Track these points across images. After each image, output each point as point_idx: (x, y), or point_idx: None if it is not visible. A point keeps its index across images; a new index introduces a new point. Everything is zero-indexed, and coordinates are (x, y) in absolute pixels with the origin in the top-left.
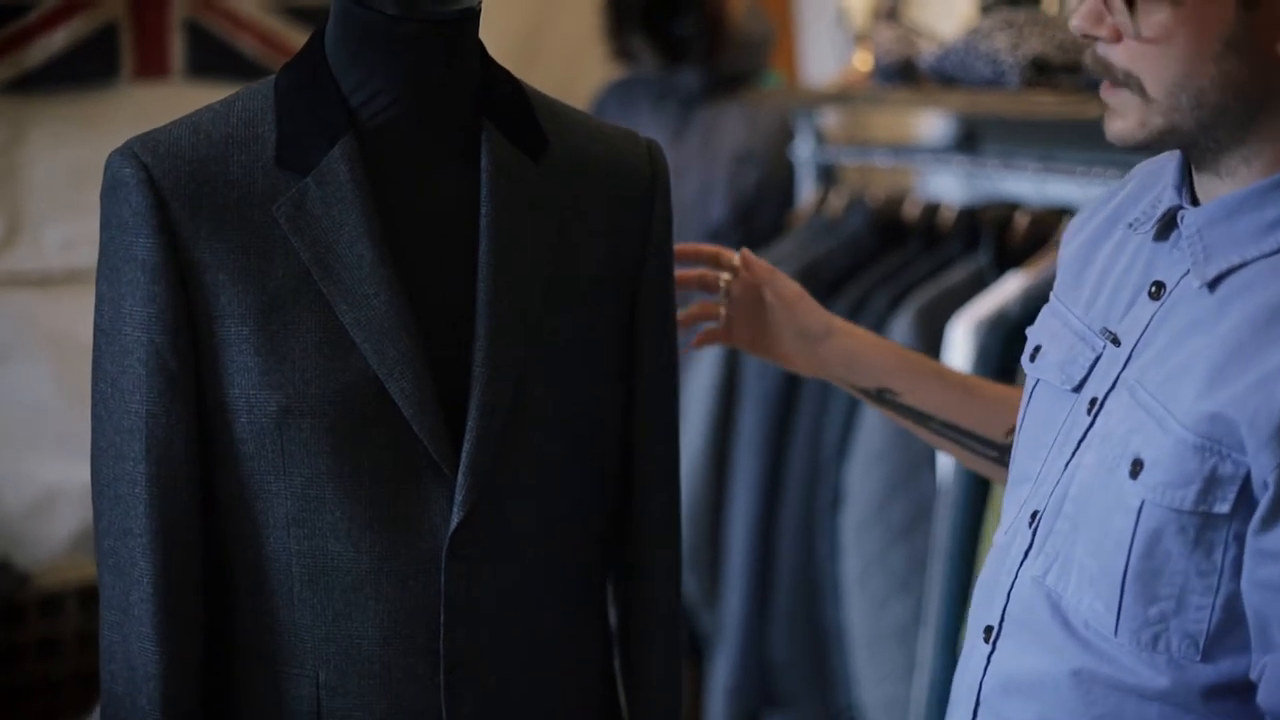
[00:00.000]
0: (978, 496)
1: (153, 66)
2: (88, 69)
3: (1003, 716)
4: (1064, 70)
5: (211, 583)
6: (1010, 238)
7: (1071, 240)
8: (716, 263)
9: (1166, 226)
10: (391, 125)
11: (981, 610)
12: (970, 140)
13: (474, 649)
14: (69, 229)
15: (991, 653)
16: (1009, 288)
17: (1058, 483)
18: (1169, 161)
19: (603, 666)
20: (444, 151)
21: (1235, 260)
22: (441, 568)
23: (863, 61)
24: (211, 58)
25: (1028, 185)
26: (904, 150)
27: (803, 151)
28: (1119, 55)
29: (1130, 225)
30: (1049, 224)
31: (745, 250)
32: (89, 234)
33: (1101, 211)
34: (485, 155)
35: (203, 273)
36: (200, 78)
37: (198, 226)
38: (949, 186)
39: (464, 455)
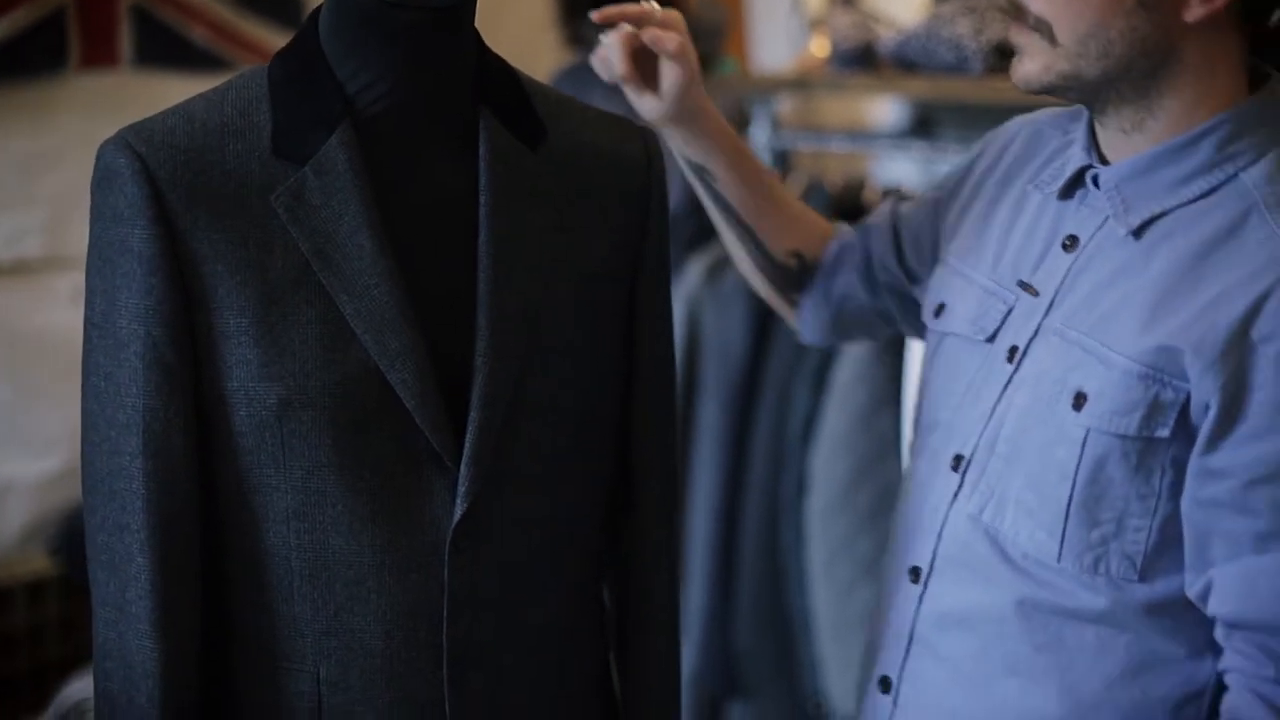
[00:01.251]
0: None
1: (101, 55)
2: (34, 58)
3: (940, 652)
4: None
5: (210, 578)
6: None
7: (949, 208)
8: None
9: (1072, 184)
10: (388, 114)
11: (902, 554)
12: (925, 125)
13: (476, 641)
14: (17, 220)
15: (923, 592)
16: None
17: (985, 426)
18: (1050, 125)
19: (600, 655)
20: (441, 140)
21: (1156, 209)
22: (444, 560)
23: (820, 48)
24: (161, 47)
25: None
26: (862, 136)
27: (759, 137)
28: (1036, 3)
29: (1035, 185)
30: None
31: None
32: (37, 225)
33: (974, 179)
34: (483, 143)
35: (200, 264)
36: (149, 67)
37: (195, 217)
38: (905, 172)
39: (466, 446)
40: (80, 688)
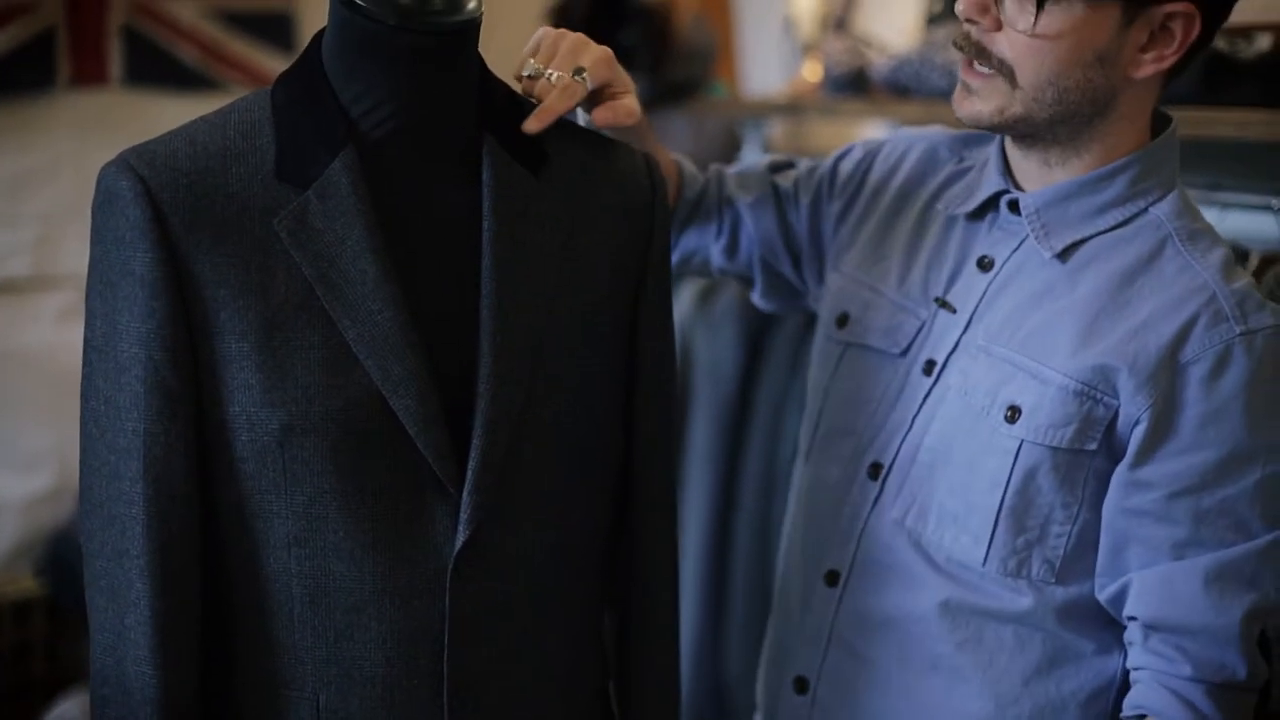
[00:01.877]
0: None
1: (90, 73)
2: (24, 76)
3: (858, 652)
4: None
5: (210, 604)
6: None
7: (845, 216)
8: None
9: (984, 207)
10: (392, 137)
11: (815, 557)
12: None
13: (477, 669)
14: (5, 238)
15: (842, 594)
16: None
17: (905, 436)
18: (944, 145)
19: (600, 682)
20: (445, 164)
21: (1076, 236)
22: (445, 587)
23: (812, 72)
24: (150, 65)
25: None
26: None
27: (750, 159)
28: (998, 43)
29: (942, 205)
30: None
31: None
32: (26, 243)
33: (868, 190)
34: (486, 168)
35: (203, 288)
36: (139, 86)
37: (197, 240)
38: None
39: (469, 473)
40: (67, 709)
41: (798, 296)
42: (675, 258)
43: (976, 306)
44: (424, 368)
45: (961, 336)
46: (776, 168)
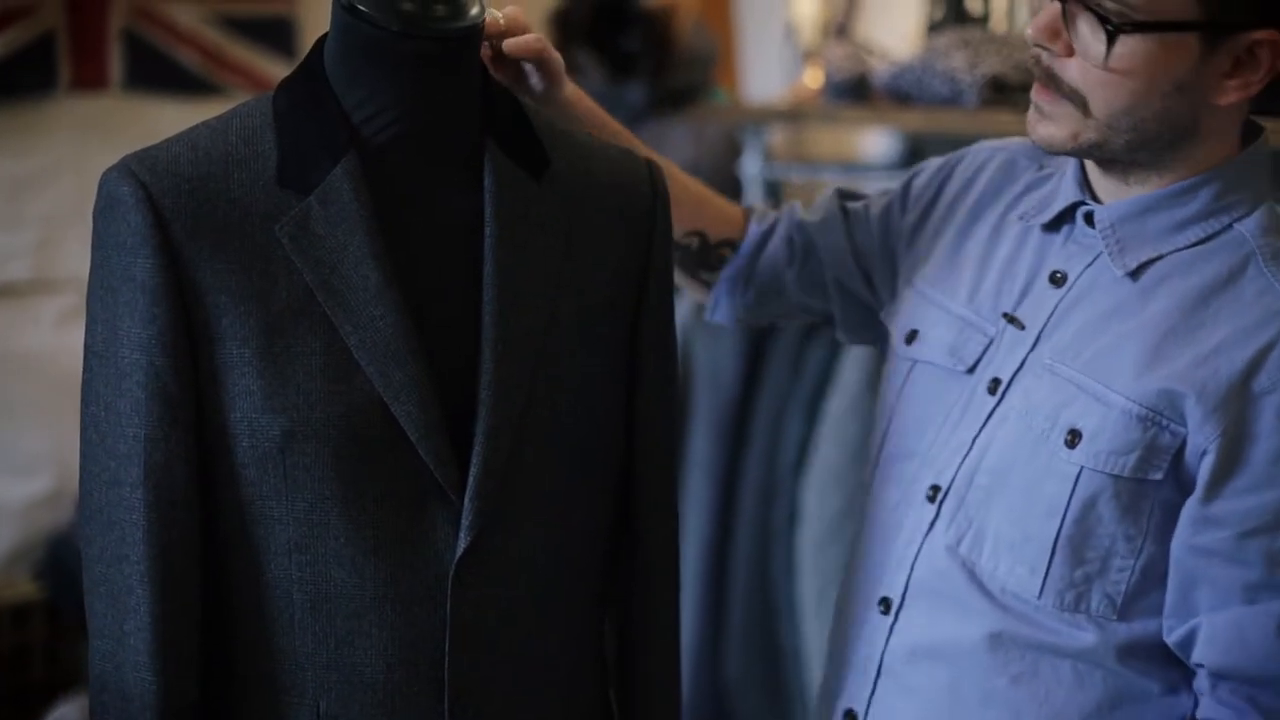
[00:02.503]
0: None
1: (91, 77)
2: (24, 79)
3: (908, 684)
4: (1021, 90)
5: (210, 610)
6: None
7: (919, 230)
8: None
9: (1060, 218)
10: (394, 143)
11: (870, 584)
12: (917, 157)
13: (478, 676)
14: (5, 242)
15: (894, 623)
16: None
17: (964, 457)
18: (1024, 155)
19: (600, 690)
20: (447, 170)
21: (1152, 253)
22: (446, 594)
23: (813, 79)
24: (150, 69)
25: None
26: (856, 168)
27: (751, 168)
28: (1069, 71)
29: (1018, 216)
30: None
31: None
32: (25, 247)
33: (944, 202)
34: (488, 174)
35: (204, 294)
36: (139, 90)
37: (199, 246)
38: None
39: (470, 480)
40: (65, 712)
41: (878, 324)
42: (751, 295)
43: (1046, 323)
44: (425, 374)
45: (1029, 354)
46: (846, 194)
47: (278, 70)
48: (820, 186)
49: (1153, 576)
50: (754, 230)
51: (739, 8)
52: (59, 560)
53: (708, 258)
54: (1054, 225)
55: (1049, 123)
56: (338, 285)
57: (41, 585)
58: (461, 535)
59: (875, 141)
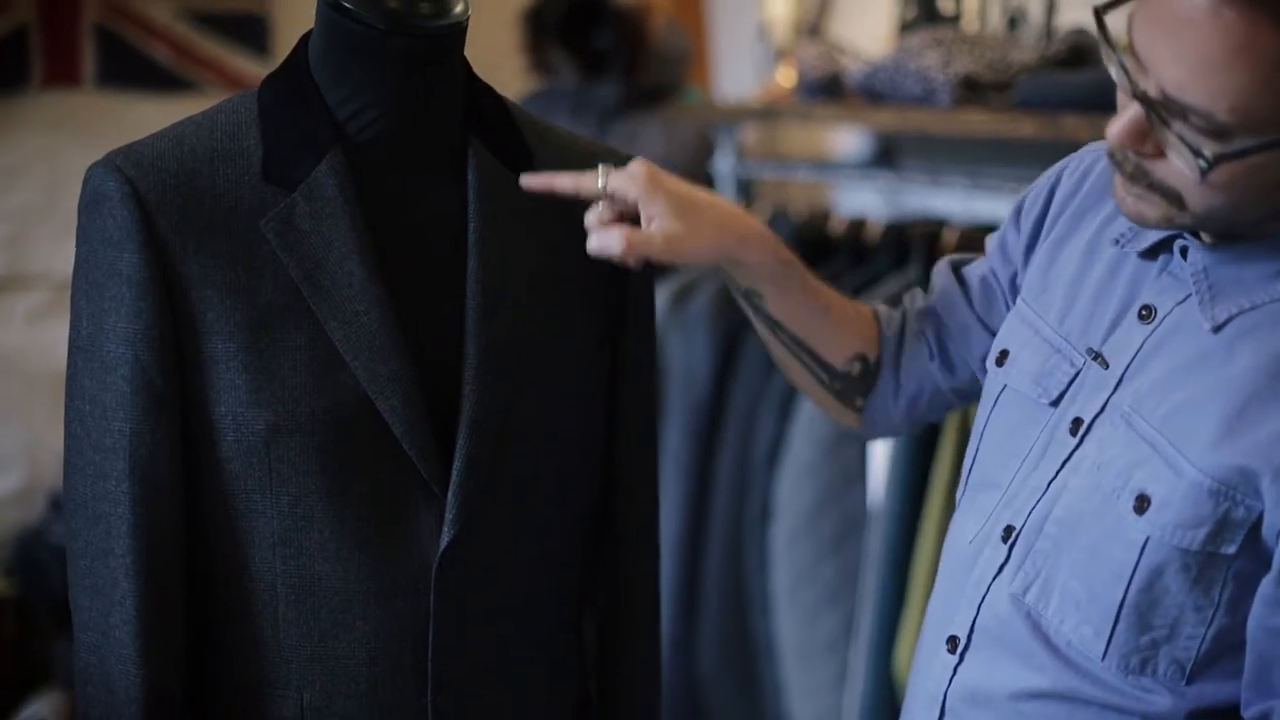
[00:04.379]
0: (911, 510)
1: (63, 74)
2: None
3: None
4: (994, 88)
5: (194, 602)
6: (939, 253)
7: (1037, 245)
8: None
9: (1158, 247)
10: (379, 140)
11: (943, 619)
12: (888, 156)
13: (461, 668)
14: None
15: (958, 664)
16: None
17: (1038, 500)
18: None
19: (580, 683)
20: (431, 167)
21: (1245, 304)
22: (430, 587)
23: (786, 77)
24: (124, 66)
25: (952, 202)
26: (828, 166)
27: (723, 166)
28: (1160, 170)
29: (1116, 242)
30: (978, 240)
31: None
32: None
33: (1054, 209)
34: (472, 170)
35: (190, 288)
36: (112, 86)
37: (184, 241)
38: (867, 202)
39: (454, 474)
40: (37, 709)
41: None
42: (903, 402)
43: (1130, 364)
44: (410, 369)
45: (1110, 397)
46: (957, 263)
47: (250, 66)
48: (788, 185)
49: (1225, 644)
50: (887, 338)
51: (711, 6)
52: (30, 557)
53: (866, 382)
54: (1151, 253)
55: (1141, 203)
56: (322, 281)
57: (12, 582)
58: (445, 528)
59: (847, 140)
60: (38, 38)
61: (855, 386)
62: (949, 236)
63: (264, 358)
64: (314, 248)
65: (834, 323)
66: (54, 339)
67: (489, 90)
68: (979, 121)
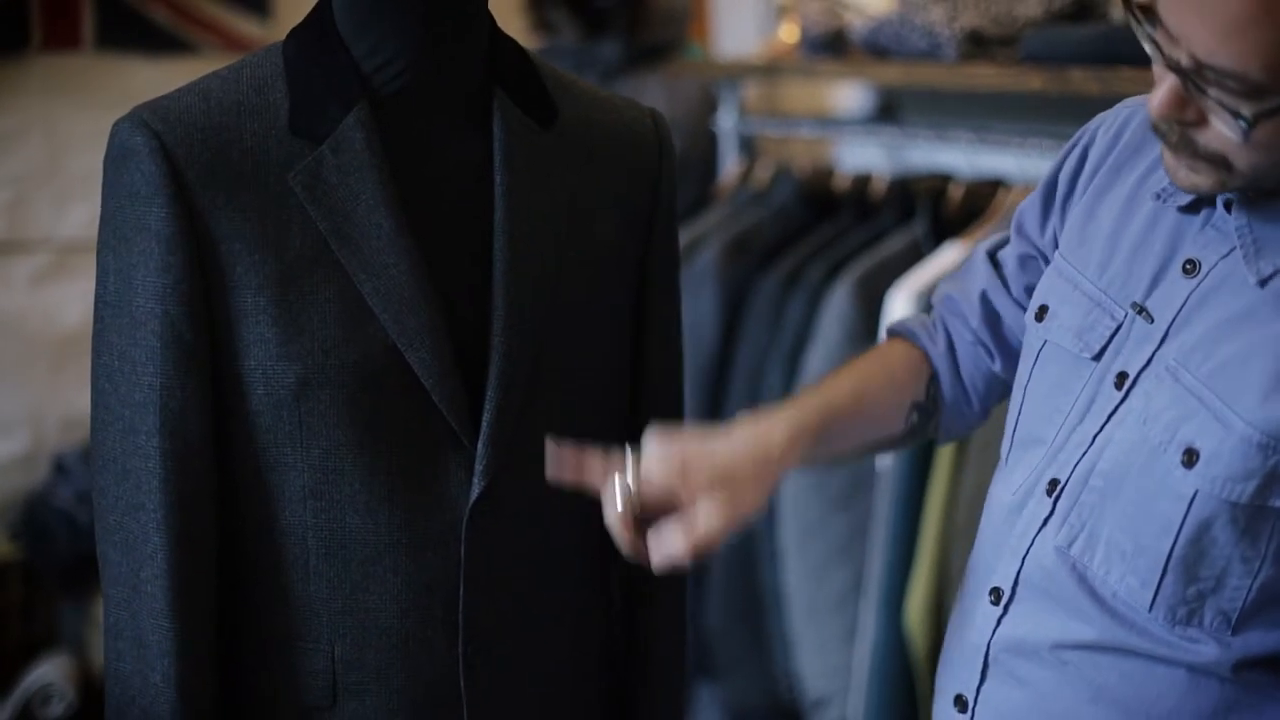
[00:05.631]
0: (920, 467)
1: (63, 36)
2: None
3: (1016, 675)
4: (999, 43)
5: (224, 557)
6: (945, 208)
7: (1070, 204)
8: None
9: (1198, 202)
10: (404, 92)
11: (985, 571)
12: (889, 112)
13: (492, 620)
14: None
15: (1002, 615)
16: (948, 258)
17: (1083, 454)
18: None
19: (608, 635)
20: (456, 119)
21: None
22: (460, 538)
23: (789, 33)
24: (123, 28)
25: (958, 157)
26: (832, 122)
27: (726, 123)
28: (1205, 137)
29: (1157, 196)
30: (984, 195)
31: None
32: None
33: (1090, 167)
34: (497, 123)
35: (218, 242)
36: (112, 48)
37: (213, 195)
38: (871, 159)
39: (484, 425)
40: (44, 672)
41: None
42: (977, 403)
43: (1175, 317)
44: (439, 320)
45: (1156, 351)
46: (991, 249)
47: (250, 28)
48: (790, 142)
49: (1271, 594)
50: (936, 356)
51: None
52: (34, 521)
53: (927, 421)
54: (1193, 208)
55: (1190, 172)
56: (351, 233)
57: (17, 546)
58: (475, 480)
59: (850, 96)
60: (37, 1)
61: (921, 429)
62: (954, 191)
63: (293, 311)
64: (342, 200)
65: (879, 416)
66: (55, 303)
67: (513, 42)
68: (985, 76)
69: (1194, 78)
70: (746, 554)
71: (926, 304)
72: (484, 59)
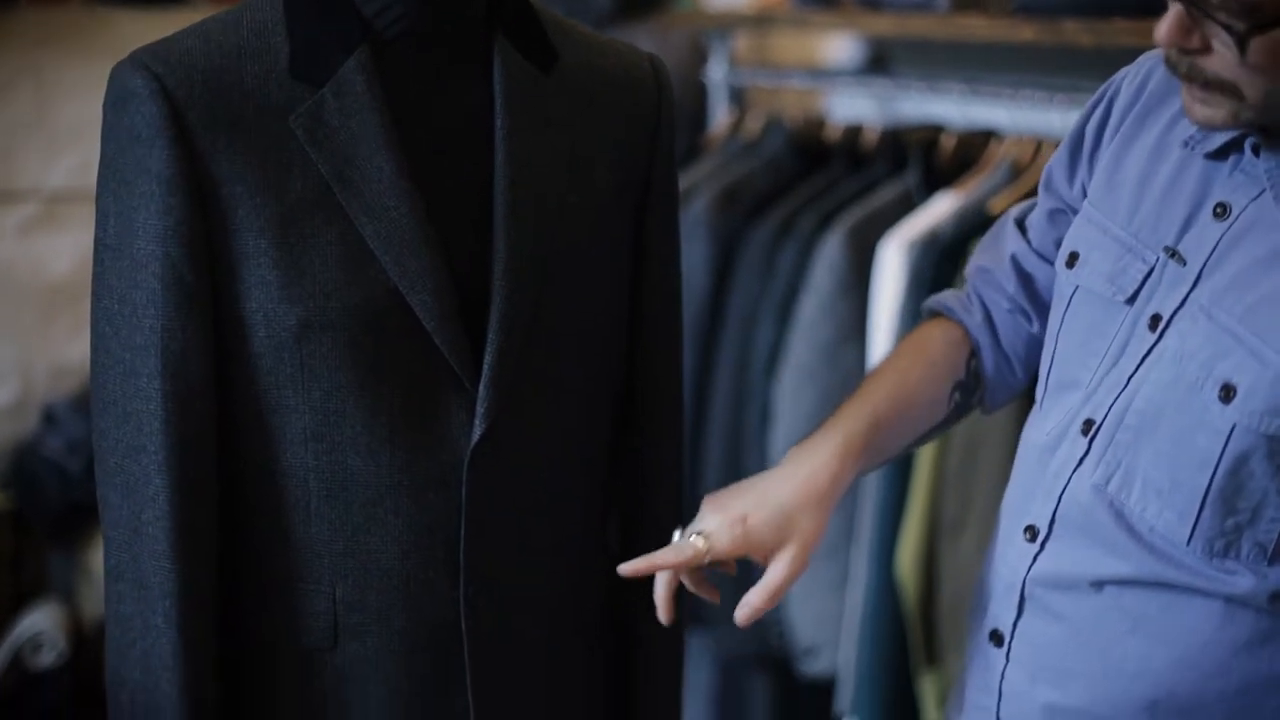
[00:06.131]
0: None
1: None
2: None
3: (1053, 609)
4: None
5: (226, 499)
6: (937, 159)
7: (1098, 155)
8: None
9: (1226, 148)
10: (404, 37)
11: (1019, 510)
12: (880, 63)
13: (493, 561)
14: None
15: (1038, 552)
16: (940, 208)
17: (1119, 394)
18: None
19: (607, 578)
20: (456, 63)
21: None
22: (462, 480)
23: None
24: None
25: (950, 108)
26: (823, 74)
27: (716, 74)
28: (1212, 64)
29: (1185, 144)
30: (976, 146)
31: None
32: None
33: (1115, 118)
34: (497, 67)
35: (220, 185)
36: (101, 0)
37: (214, 138)
38: (861, 109)
39: (485, 367)
40: (35, 620)
41: None
42: (1020, 370)
43: (1207, 259)
44: (440, 263)
45: (1190, 293)
46: (1018, 216)
47: None
48: (780, 93)
49: None
50: (975, 329)
51: None
52: (23, 470)
53: (968, 397)
54: (1221, 154)
55: (1204, 106)
56: (352, 176)
57: (7, 495)
58: (477, 422)
59: (841, 47)
60: None
61: (964, 406)
62: (946, 142)
63: (294, 253)
64: (343, 144)
65: (923, 410)
66: (44, 253)
67: None
68: (977, 27)
69: (1195, 2)
70: None
71: (919, 256)
72: (484, 3)
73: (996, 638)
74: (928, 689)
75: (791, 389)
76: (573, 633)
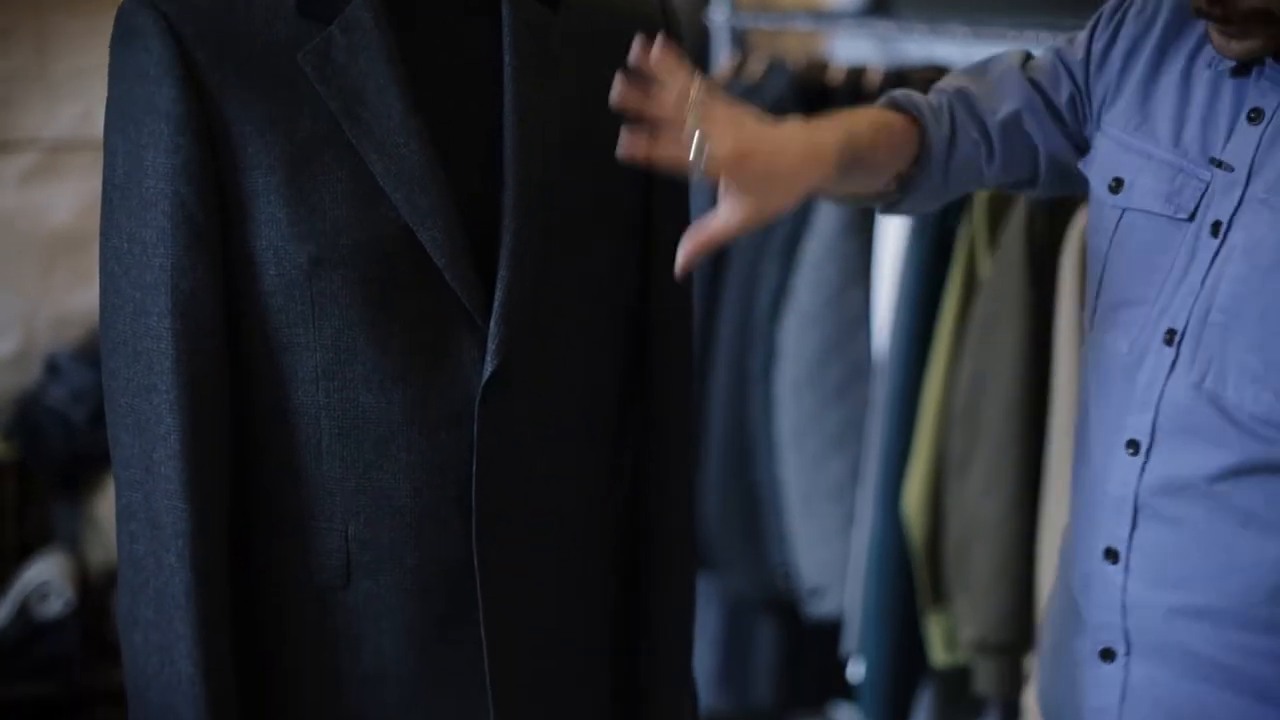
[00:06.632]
0: (918, 354)
1: None
2: None
3: (1168, 515)
4: None
5: (237, 438)
6: None
7: (1100, 72)
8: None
9: (1248, 62)
10: None
11: (1114, 426)
12: (883, 6)
13: (504, 499)
14: None
15: (1145, 463)
16: None
17: (1196, 299)
18: None
19: (618, 516)
20: (464, 2)
21: None
22: (473, 417)
23: None
24: None
25: (952, 50)
26: (826, 16)
27: (718, 17)
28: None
29: (1209, 65)
30: None
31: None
32: None
33: (1122, 45)
34: (506, 5)
35: (229, 123)
36: None
37: (222, 76)
38: (864, 52)
39: (496, 303)
40: (41, 570)
41: (1076, 174)
42: (943, 195)
43: (1252, 161)
44: (450, 200)
45: (1244, 193)
46: (1025, 63)
47: None
48: (780, 36)
49: None
50: (937, 140)
51: None
52: (27, 420)
53: (905, 188)
54: (1243, 69)
55: (1240, 41)
56: (361, 113)
57: (11, 445)
58: (488, 359)
59: None
60: None
61: (892, 200)
62: None
63: (304, 191)
64: (352, 81)
65: (876, 168)
66: (45, 202)
67: None
68: None
69: None
70: (743, 448)
71: None
72: None
73: (1112, 555)
74: (934, 628)
75: (796, 332)
76: (584, 570)
